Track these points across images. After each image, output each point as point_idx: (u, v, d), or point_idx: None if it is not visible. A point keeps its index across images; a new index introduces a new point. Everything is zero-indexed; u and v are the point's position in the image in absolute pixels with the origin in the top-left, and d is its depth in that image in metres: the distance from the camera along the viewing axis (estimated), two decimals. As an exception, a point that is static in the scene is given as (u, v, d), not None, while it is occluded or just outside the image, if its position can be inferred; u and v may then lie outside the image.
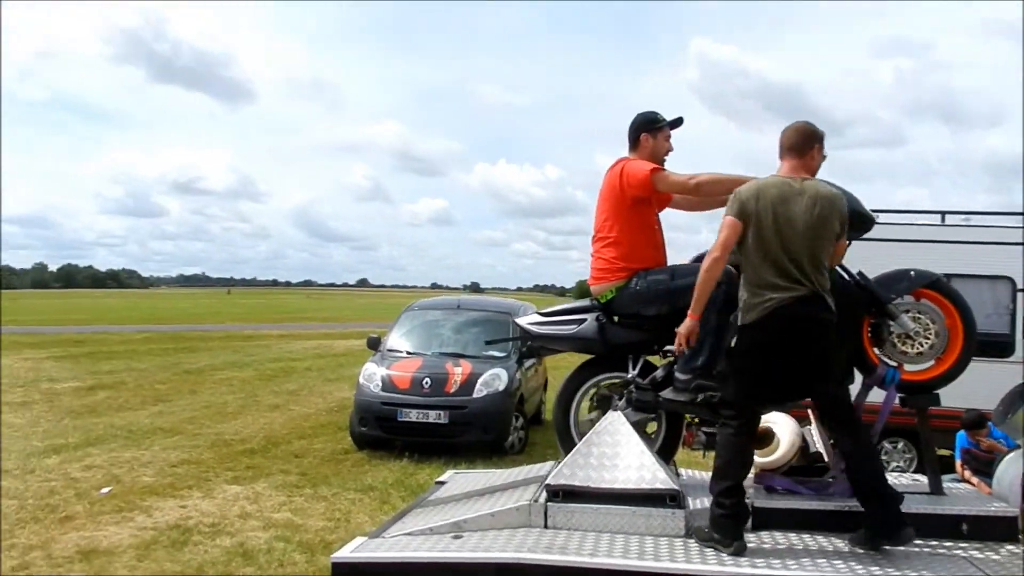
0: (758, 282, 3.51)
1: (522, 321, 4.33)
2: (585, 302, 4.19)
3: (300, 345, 26.24)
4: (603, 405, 4.16)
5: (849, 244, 3.96)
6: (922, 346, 3.87)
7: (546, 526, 3.65)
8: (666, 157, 4.15)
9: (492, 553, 3.32)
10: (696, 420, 4.32)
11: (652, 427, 4.29)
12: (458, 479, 4.94)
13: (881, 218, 8.75)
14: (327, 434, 10.70)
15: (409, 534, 3.65)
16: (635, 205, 3.99)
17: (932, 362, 3.93)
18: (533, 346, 4.52)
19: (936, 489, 4.08)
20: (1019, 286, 7.76)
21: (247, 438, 10.25)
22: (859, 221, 3.87)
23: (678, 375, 3.92)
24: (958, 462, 6.39)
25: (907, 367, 3.94)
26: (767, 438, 4.37)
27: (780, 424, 4.43)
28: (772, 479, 4.06)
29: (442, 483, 4.89)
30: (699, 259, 4.05)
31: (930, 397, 4.07)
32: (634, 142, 4.15)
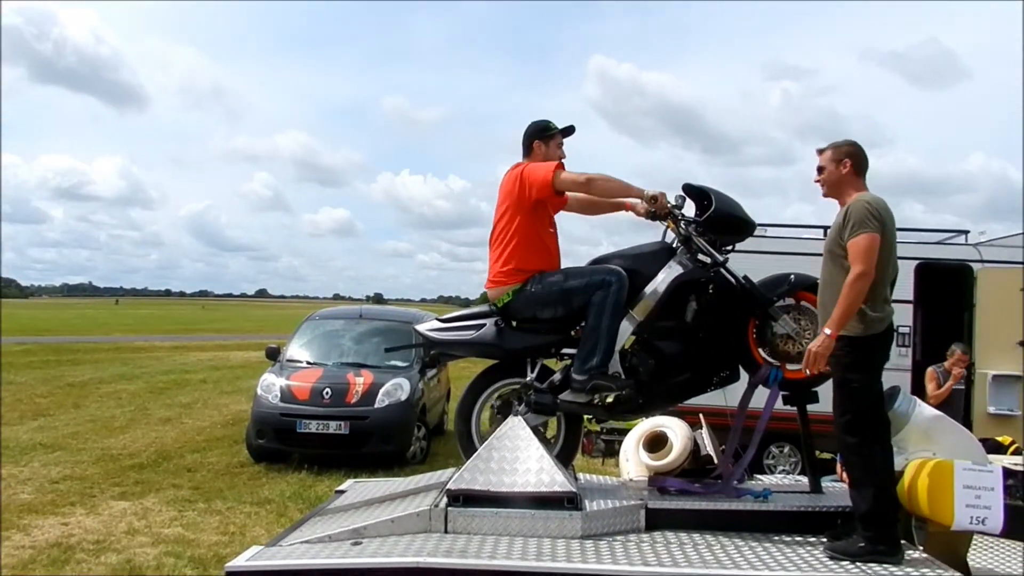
0: (880, 297, 3.62)
1: (421, 328, 4.33)
2: (483, 307, 4.24)
3: (194, 357, 25.33)
4: (504, 412, 4.21)
5: (732, 250, 4.17)
6: (802, 346, 4.04)
7: (446, 531, 3.67)
8: None
9: (392, 558, 3.31)
10: (597, 428, 4.44)
11: (553, 431, 4.37)
12: (358, 488, 4.90)
13: (771, 232, 9.26)
14: (222, 447, 10.38)
15: (307, 542, 3.60)
16: (534, 208, 4.08)
17: None
18: (434, 353, 4.55)
19: (816, 488, 4.33)
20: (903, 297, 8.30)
21: (136, 452, 9.84)
22: (741, 226, 4.10)
23: (575, 376, 4.01)
24: (838, 464, 6.76)
25: (789, 366, 4.12)
26: (660, 442, 4.52)
27: (673, 428, 4.59)
28: (666, 480, 4.21)
29: (342, 492, 4.83)
30: (596, 262, 4.19)
31: (809, 395, 4.31)
32: (528, 149, 4.26)
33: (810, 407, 4.33)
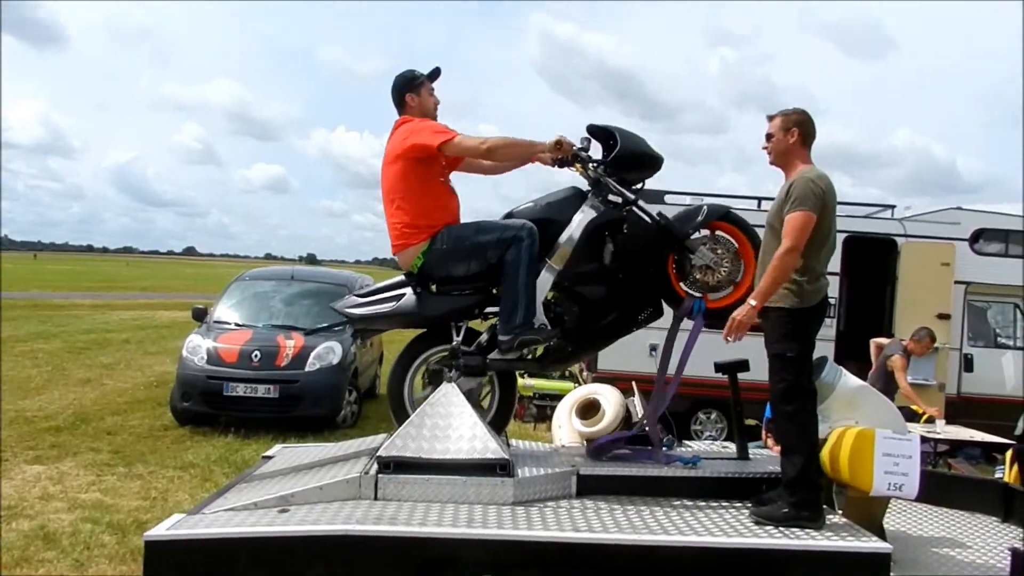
0: (817, 271, 3.66)
1: (340, 305, 4.21)
2: (400, 277, 4.15)
3: (117, 316, 24.51)
4: (435, 380, 4.15)
5: (643, 187, 4.15)
6: (721, 275, 4.10)
7: (376, 498, 3.62)
8: (436, 111, 4.17)
9: (320, 526, 3.24)
10: (531, 394, 4.43)
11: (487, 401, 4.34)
12: (286, 453, 4.80)
13: (706, 201, 9.36)
14: (144, 410, 10.08)
15: (231, 509, 3.50)
16: (423, 162, 3.95)
17: (731, 288, 4.15)
18: (359, 329, 4.46)
19: (743, 454, 4.42)
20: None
21: (52, 415, 9.47)
22: (649, 161, 4.09)
23: (501, 337, 3.96)
24: (763, 431, 6.94)
25: (710, 296, 4.16)
26: (593, 409, 4.54)
27: (605, 395, 4.62)
28: (602, 442, 4.23)
29: (269, 457, 4.73)
30: (509, 215, 4.13)
31: (741, 363, 4.38)
32: (400, 104, 4.12)
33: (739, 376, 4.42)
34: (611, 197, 4.05)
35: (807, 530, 3.45)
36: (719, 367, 4.46)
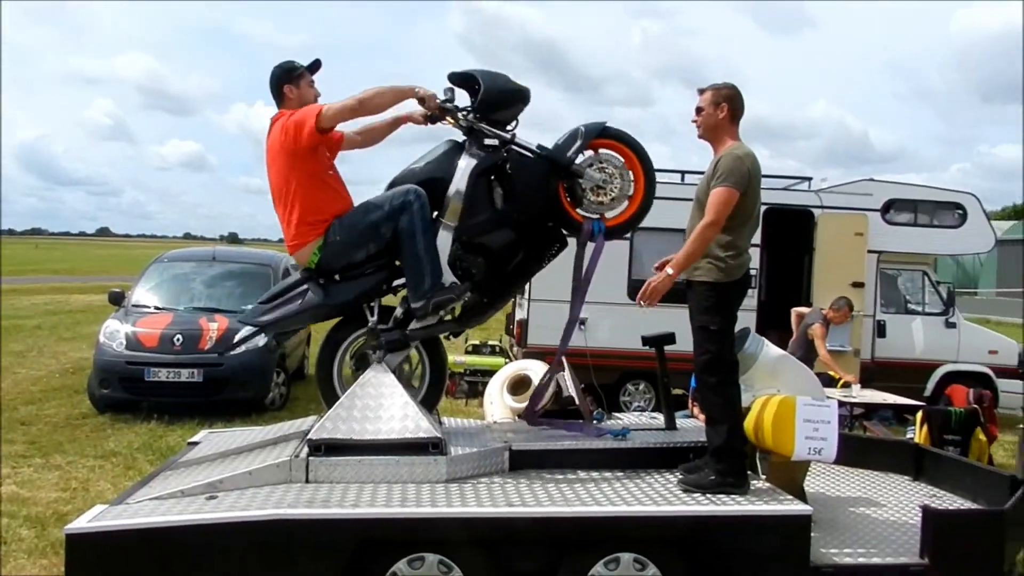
0: (740, 246, 3.71)
1: (246, 318, 4.14)
2: (297, 276, 4.09)
3: (27, 300, 23.41)
4: (363, 365, 4.10)
5: (517, 123, 4.10)
6: (613, 191, 4.14)
7: (307, 481, 3.58)
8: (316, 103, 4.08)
9: (250, 512, 3.20)
10: (462, 370, 4.42)
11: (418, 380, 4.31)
12: (213, 439, 4.70)
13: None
14: (61, 398, 9.69)
15: (157, 499, 3.42)
16: (309, 155, 3.88)
17: (626, 202, 4.21)
18: (274, 335, 4.36)
19: (671, 425, 4.53)
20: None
21: (-39, 406, 9.03)
22: (517, 96, 4.08)
23: (414, 306, 3.94)
24: (690, 400, 7.12)
25: (608, 214, 4.21)
26: (524, 384, 4.58)
27: (536, 371, 4.66)
28: (534, 417, 4.27)
29: (195, 444, 4.63)
30: (393, 184, 4.06)
31: (668, 336, 4.47)
32: (279, 97, 4.04)
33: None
34: (488, 141, 4.02)
35: (733, 496, 3.57)
36: (646, 340, 4.55)
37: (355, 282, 4.01)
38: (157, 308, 9.65)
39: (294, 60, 4.06)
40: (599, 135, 4.14)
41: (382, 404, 3.78)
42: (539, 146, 4.07)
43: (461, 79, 4.03)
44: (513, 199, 4.06)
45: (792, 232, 9.74)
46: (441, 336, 4.26)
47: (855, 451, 4.99)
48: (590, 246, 4.14)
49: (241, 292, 9.92)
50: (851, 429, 7.12)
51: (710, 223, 3.65)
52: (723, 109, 3.83)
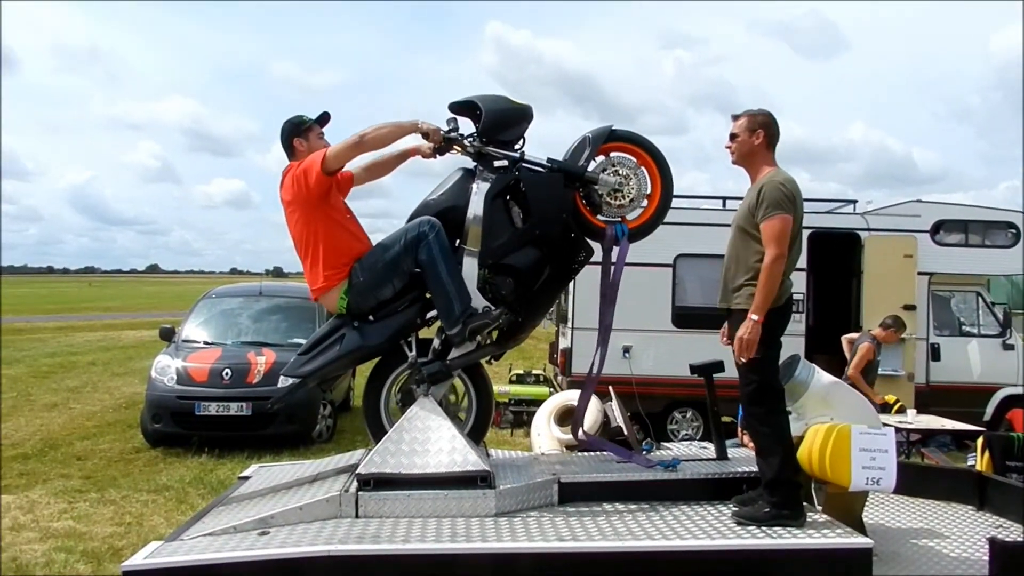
0: (786, 271, 3.66)
1: (288, 371, 4.14)
2: (332, 323, 4.10)
3: (82, 337, 24.06)
4: (408, 400, 4.09)
5: (524, 142, 4.09)
6: (631, 192, 4.10)
7: (357, 516, 3.58)
8: None
9: (301, 548, 3.20)
10: (506, 400, 4.40)
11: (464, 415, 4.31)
12: (263, 473, 4.73)
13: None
14: (114, 433, 9.90)
15: (210, 534, 3.44)
16: (322, 202, 3.93)
17: (645, 202, 4.15)
18: (318, 385, 4.39)
19: (722, 455, 4.45)
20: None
21: (19, 442, 9.27)
22: (518, 116, 4.07)
23: (449, 334, 3.94)
24: (739, 428, 7.00)
25: (629, 216, 4.16)
26: (571, 415, 4.54)
27: (584, 401, 4.61)
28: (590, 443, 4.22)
29: (246, 478, 4.66)
30: (413, 216, 4.05)
31: (716, 364, 4.41)
32: (290, 151, 4.10)
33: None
34: (498, 163, 4.04)
35: (789, 528, 3.47)
36: (694, 369, 4.49)
37: (389, 320, 4.02)
38: (206, 343, 9.85)
39: (303, 115, 4.14)
40: (607, 139, 4.12)
41: (429, 437, 3.77)
42: (549, 159, 4.08)
43: (462, 107, 4.07)
44: (532, 216, 4.05)
45: (838, 255, 9.59)
46: (483, 360, 4.26)
47: (914, 480, 4.84)
48: (615, 250, 4.11)
49: (287, 326, 10.08)
50: (908, 457, 6.93)
51: (776, 257, 3.58)
52: (759, 136, 3.79)
